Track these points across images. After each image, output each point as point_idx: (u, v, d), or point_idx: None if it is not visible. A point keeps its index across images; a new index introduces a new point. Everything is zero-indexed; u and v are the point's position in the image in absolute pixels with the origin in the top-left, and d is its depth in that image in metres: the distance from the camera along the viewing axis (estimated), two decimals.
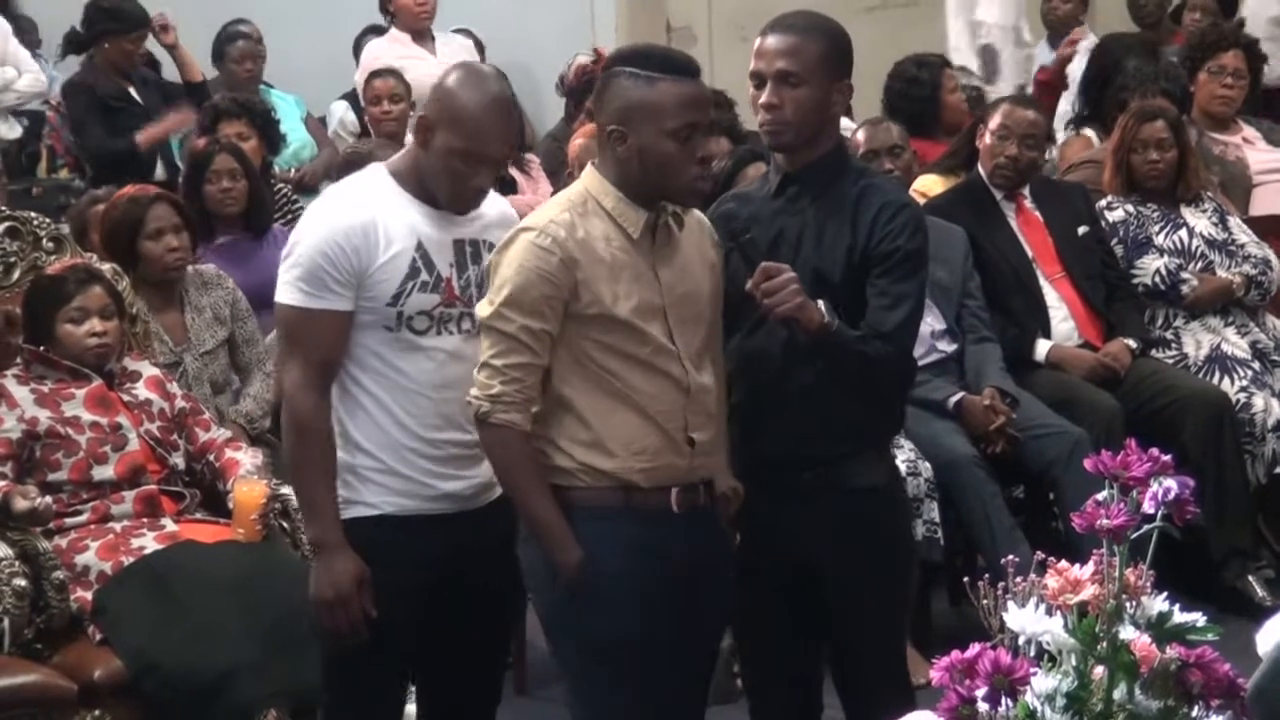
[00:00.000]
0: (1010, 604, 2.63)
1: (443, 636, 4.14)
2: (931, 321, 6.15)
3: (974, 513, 5.88)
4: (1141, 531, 2.62)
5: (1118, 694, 2.52)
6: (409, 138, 4.32)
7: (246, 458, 5.10)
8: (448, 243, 4.05)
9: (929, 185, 7.17)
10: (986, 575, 2.71)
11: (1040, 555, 2.75)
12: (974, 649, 2.54)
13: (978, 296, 6.32)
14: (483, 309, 3.85)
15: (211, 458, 5.17)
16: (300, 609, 4.07)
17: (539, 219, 3.87)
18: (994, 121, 6.57)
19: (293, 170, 8.37)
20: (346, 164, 5.98)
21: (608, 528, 3.83)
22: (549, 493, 3.84)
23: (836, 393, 4.00)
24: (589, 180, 3.92)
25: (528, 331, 3.80)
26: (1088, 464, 2.70)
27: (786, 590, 4.06)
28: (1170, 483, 2.61)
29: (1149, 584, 2.60)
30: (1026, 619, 2.60)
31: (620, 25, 10.33)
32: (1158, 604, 2.58)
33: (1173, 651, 2.54)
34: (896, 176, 6.05)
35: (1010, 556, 2.75)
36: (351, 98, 9.17)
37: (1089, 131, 7.86)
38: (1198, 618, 2.58)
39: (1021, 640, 2.60)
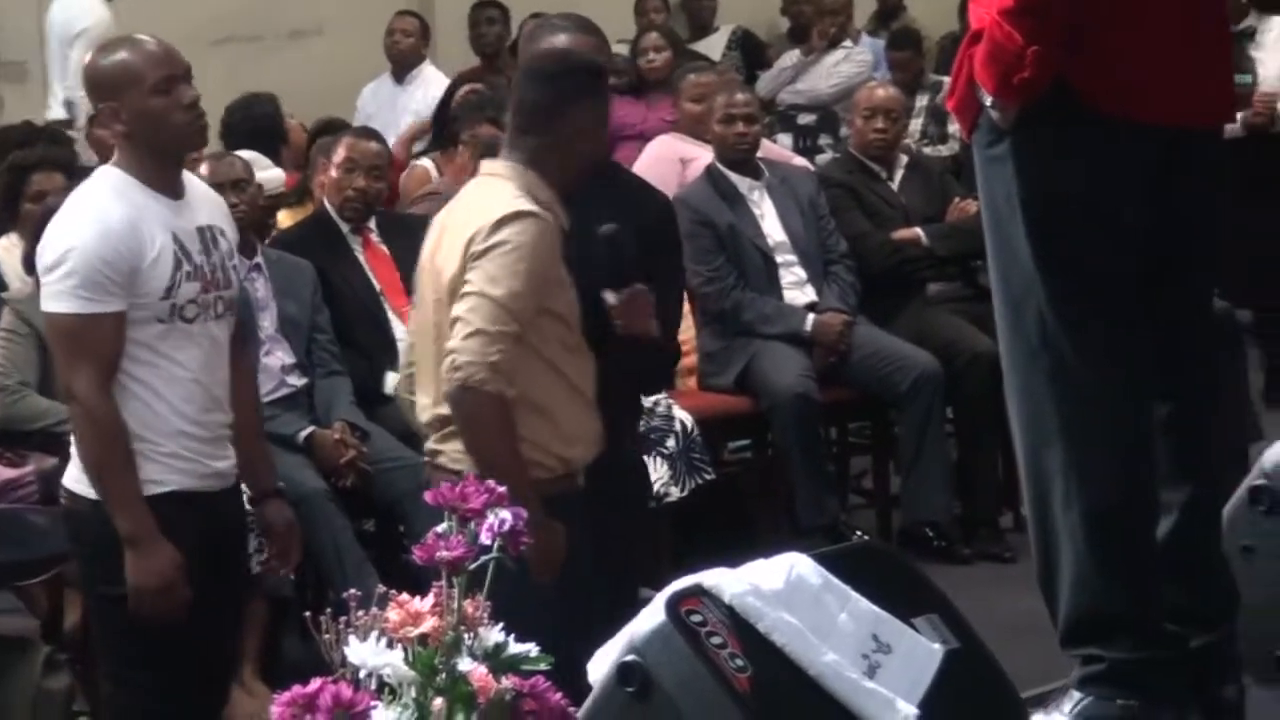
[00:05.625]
0: (351, 638, 2.63)
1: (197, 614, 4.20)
2: (281, 355, 6.13)
3: (325, 547, 5.86)
4: (480, 562, 2.65)
5: None
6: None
7: None
8: (192, 231, 4.17)
9: (280, 219, 7.14)
10: (329, 609, 2.71)
11: (383, 588, 2.76)
12: (315, 683, 2.53)
13: (327, 330, 6.32)
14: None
15: None
16: None
17: (522, 204, 4.02)
18: (337, 155, 6.58)
19: None
20: None
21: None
22: (523, 465, 4.00)
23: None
24: (519, 176, 4.09)
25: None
26: (428, 496, 2.73)
27: None
28: (505, 514, 2.66)
29: (485, 615, 2.64)
30: (367, 652, 2.60)
31: None
32: (494, 635, 2.62)
33: (508, 682, 2.59)
34: (242, 211, 6.02)
35: (353, 590, 2.74)
36: None
37: (426, 162, 7.97)
38: (531, 648, 2.63)
39: (363, 674, 2.60)
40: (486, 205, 4.09)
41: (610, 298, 4.27)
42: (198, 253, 4.17)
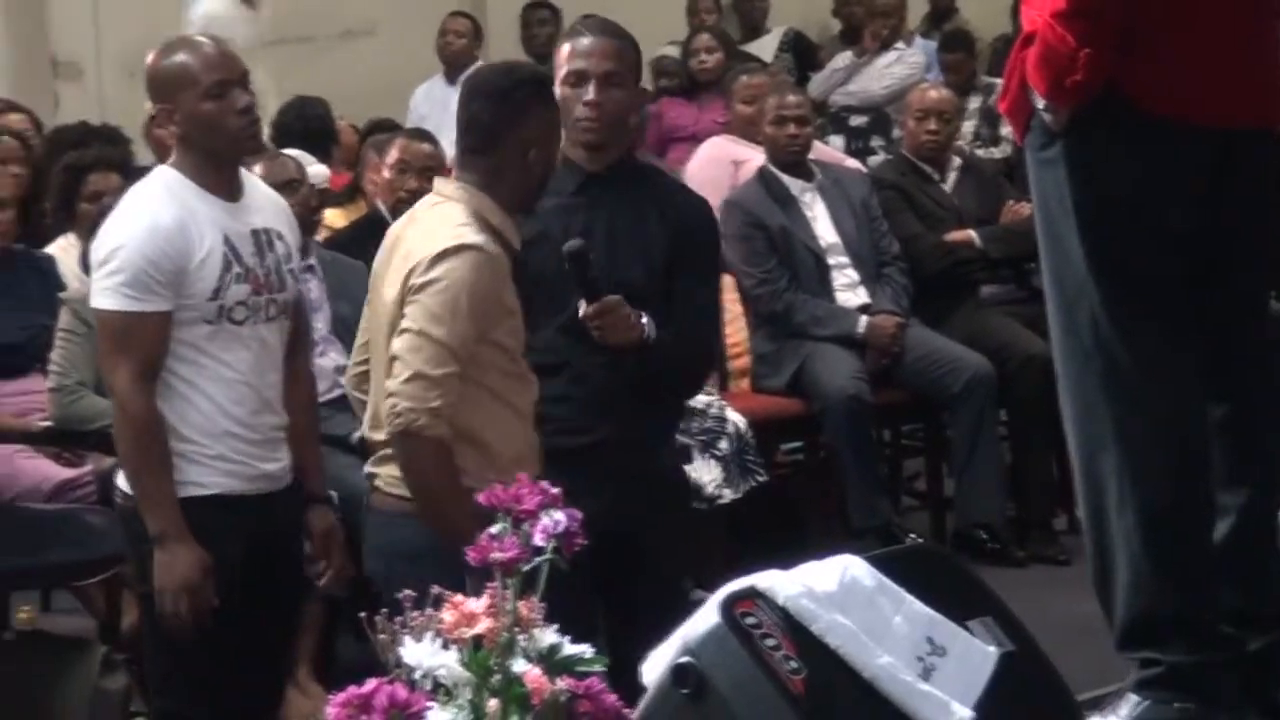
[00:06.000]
0: (407, 638, 2.64)
1: (246, 616, 4.23)
2: (335, 357, 6.14)
3: None
4: (533, 564, 2.66)
5: None
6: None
7: None
8: (246, 234, 4.20)
9: (331, 219, 7.17)
10: (384, 610, 2.72)
11: (436, 589, 2.77)
12: (370, 684, 2.54)
13: None
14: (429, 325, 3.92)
15: None
16: None
17: (467, 236, 3.96)
18: (390, 156, 6.60)
19: None
20: None
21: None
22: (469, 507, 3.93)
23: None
24: (470, 199, 4.03)
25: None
26: (481, 498, 2.74)
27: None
28: (559, 515, 2.66)
29: (540, 616, 2.64)
30: (422, 653, 2.61)
31: (2, 59, 10.03)
32: (549, 636, 2.63)
33: (563, 683, 2.59)
34: (295, 212, 6.04)
35: (407, 591, 2.75)
36: None
37: None
38: (586, 649, 2.64)
39: (418, 675, 2.61)
40: (432, 232, 4.04)
41: (583, 309, 4.29)
42: (250, 255, 4.19)
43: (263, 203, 4.33)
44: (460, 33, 10.21)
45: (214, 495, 4.18)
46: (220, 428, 4.18)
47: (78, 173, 6.49)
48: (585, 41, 4.41)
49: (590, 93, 4.35)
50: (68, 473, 5.92)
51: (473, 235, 3.99)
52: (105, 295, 4.13)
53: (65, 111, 9.71)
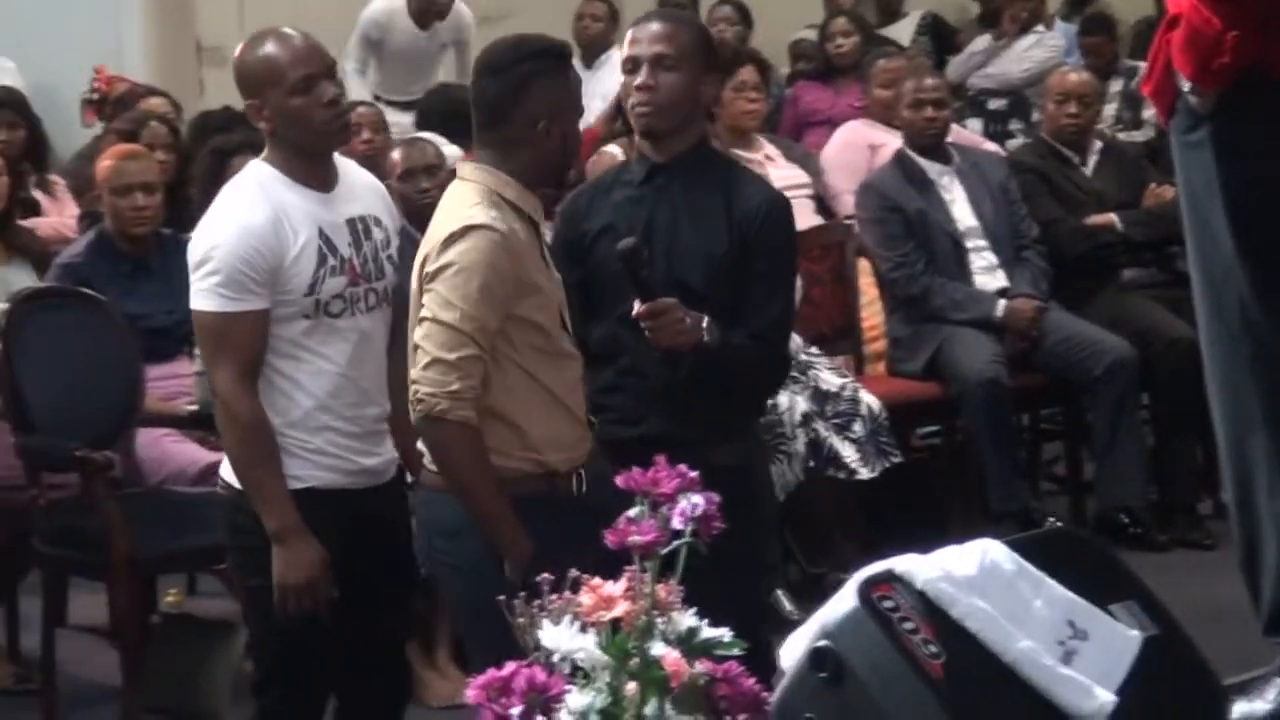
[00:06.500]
0: (545, 622, 2.65)
1: (351, 614, 4.20)
2: None
3: None
4: (671, 547, 2.66)
5: (649, 709, 2.55)
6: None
7: None
8: (341, 224, 4.17)
9: None
10: (522, 593, 2.73)
11: (575, 572, 2.78)
12: (509, 667, 2.55)
13: None
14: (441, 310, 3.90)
15: None
16: None
17: (476, 216, 3.92)
18: None
19: None
20: None
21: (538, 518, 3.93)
22: (496, 487, 3.94)
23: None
24: (485, 177, 4.01)
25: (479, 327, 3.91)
26: (619, 480, 2.74)
27: None
28: (697, 499, 2.66)
29: (679, 599, 2.64)
30: (560, 636, 2.62)
31: (149, 45, 10.15)
32: (687, 620, 2.63)
33: (701, 667, 2.59)
34: (433, 196, 6.08)
35: (545, 574, 2.76)
36: None
37: (614, 148, 7.99)
38: (724, 633, 2.63)
39: (556, 658, 2.62)
40: (446, 216, 4.01)
41: (636, 308, 4.20)
42: (346, 245, 4.16)
43: (359, 190, 4.28)
44: (597, 16, 10.20)
45: (309, 489, 4.14)
46: (319, 422, 4.14)
47: (223, 157, 6.55)
48: (640, 28, 4.36)
49: (641, 76, 4.29)
50: (213, 456, 5.98)
51: (482, 214, 3.94)
52: (202, 297, 4.10)
53: (210, 97, 9.80)
